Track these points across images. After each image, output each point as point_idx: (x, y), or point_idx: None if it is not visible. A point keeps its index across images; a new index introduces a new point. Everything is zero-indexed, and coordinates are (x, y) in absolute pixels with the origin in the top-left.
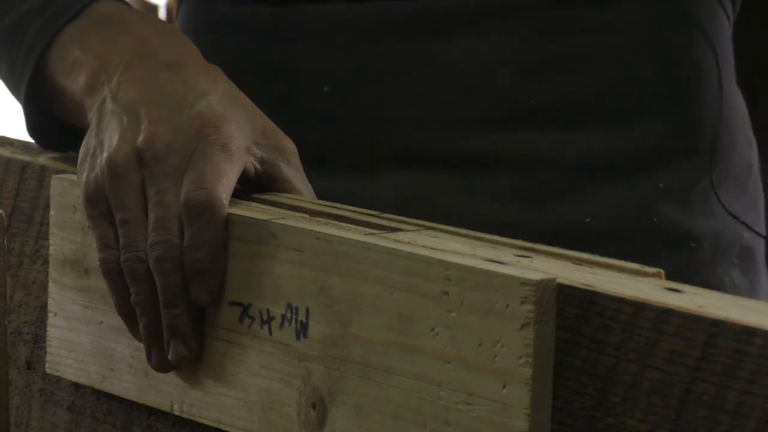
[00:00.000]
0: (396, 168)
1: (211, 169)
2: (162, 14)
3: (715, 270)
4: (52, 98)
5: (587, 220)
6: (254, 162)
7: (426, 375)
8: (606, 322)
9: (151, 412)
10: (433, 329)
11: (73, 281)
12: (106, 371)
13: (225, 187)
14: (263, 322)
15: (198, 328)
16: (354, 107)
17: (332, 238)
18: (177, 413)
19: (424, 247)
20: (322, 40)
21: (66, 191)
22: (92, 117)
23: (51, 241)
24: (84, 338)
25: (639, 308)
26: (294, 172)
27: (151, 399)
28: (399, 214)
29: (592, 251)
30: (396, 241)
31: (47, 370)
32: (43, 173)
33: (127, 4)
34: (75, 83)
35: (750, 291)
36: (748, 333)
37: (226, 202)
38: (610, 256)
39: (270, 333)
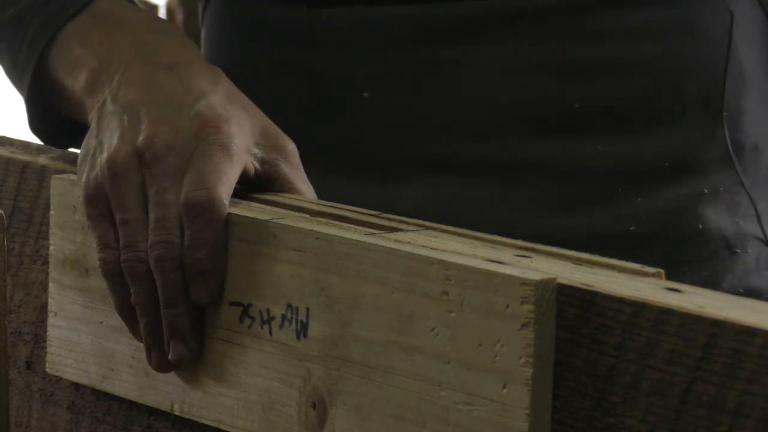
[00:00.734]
0: (426, 175)
1: (212, 169)
2: (162, 14)
3: (762, 275)
4: (54, 94)
5: (631, 228)
6: (254, 162)
7: (426, 375)
8: (606, 322)
9: (151, 412)
10: (433, 329)
11: (73, 281)
12: (106, 371)
13: (225, 187)
14: (263, 322)
15: (198, 328)
16: (384, 113)
17: (332, 238)
18: (177, 413)
19: (424, 247)
20: (354, 44)
21: (66, 191)
22: (93, 117)
23: (51, 241)
24: (84, 338)
25: (639, 308)
26: (294, 172)
27: (151, 399)
28: (433, 221)
29: (636, 259)
30: (396, 241)
31: (47, 370)
32: (43, 173)
33: (130, 1)
34: (76, 82)
35: None
36: (748, 333)
37: (226, 202)
38: (656, 263)
39: (270, 333)
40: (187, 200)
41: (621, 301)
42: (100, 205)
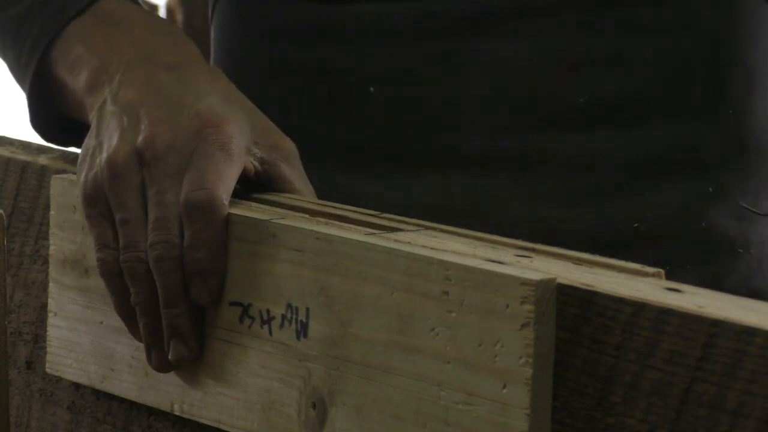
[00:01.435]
0: (441, 169)
1: (211, 169)
2: (162, 14)
3: (765, 276)
4: (55, 92)
5: (635, 224)
6: (254, 162)
7: (426, 375)
8: (606, 322)
9: (151, 412)
10: (433, 329)
11: (73, 281)
12: (106, 371)
13: (225, 187)
14: (263, 322)
15: (198, 328)
16: (398, 108)
17: (332, 238)
18: (177, 413)
19: (424, 247)
20: (366, 39)
21: (66, 191)
22: (93, 117)
23: (51, 241)
24: (84, 338)
25: (639, 308)
26: (294, 171)
27: (151, 399)
28: (444, 215)
29: (640, 255)
30: (396, 241)
31: (47, 370)
32: (43, 173)
33: (133, 1)
34: (77, 81)
35: None
36: (748, 333)
37: (226, 202)
38: (659, 260)
39: (270, 333)
40: (187, 200)
41: (621, 301)
42: (99, 204)
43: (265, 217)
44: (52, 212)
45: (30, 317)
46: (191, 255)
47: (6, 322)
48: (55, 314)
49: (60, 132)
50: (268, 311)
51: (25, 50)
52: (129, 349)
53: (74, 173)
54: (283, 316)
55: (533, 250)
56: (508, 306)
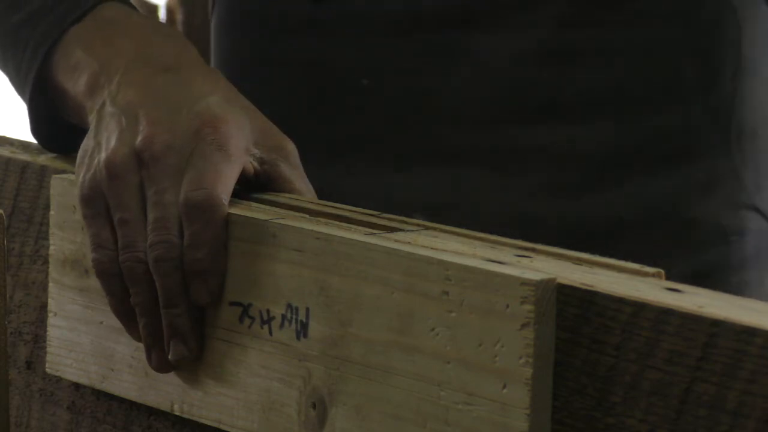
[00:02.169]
0: (429, 162)
1: (211, 169)
2: (162, 14)
3: (756, 269)
4: (55, 99)
5: (621, 214)
6: (254, 162)
7: (426, 375)
8: (606, 322)
9: (151, 412)
10: (433, 329)
11: (73, 281)
12: (106, 371)
13: (224, 186)
14: (263, 322)
15: (198, 328)
16: (386, 102)
17: (332, 238)
18: (177, 413)
19: (424, 247)
20: (354, 33)
21: (66, 191)
22: (92, 119)
23: (51, 241)
24: (84, 338)
25: (639, 308)
26: (294, 171)
27: (151, 399)
28: (432, 208)
29: (626, 245)
30: (396, 241)
31: (47, 370)
32: (43, 173)
33: (132, 6)
34: (77, 85)
35: None
36: (748, 333)
37: (225, 202)
38: (646, 250)
39: (270, 333)
40: (187, 200)
41: (621, 301)
42: (96, 205)
43: (265, 217)
44: (52, 212)
45: (30, 317)
46: (191, 255)
47: (6, 322)
48: (55, 314)
49: (61, 139)
50: (268, 311)
51: (25, 57)
52: (129, 349)
53: (74, 173)
54: (283, 316)
55: (533, 250)
56: (508, 306)
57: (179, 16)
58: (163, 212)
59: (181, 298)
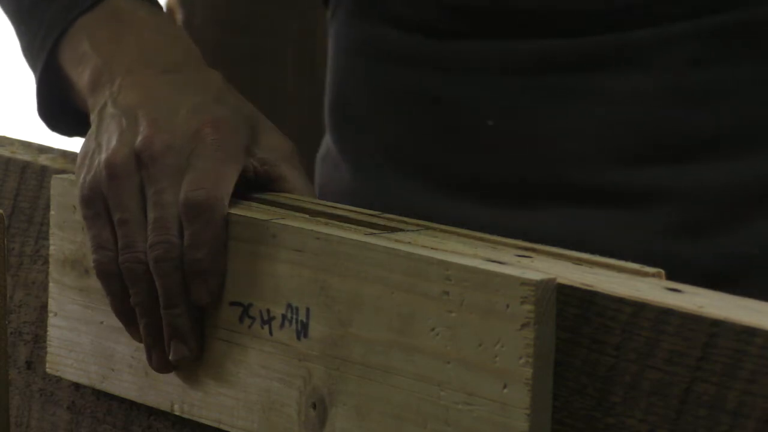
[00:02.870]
0: (553, 203)
1: (211, 170)
2: None
3: None
4: (63, 83)
5: (754, 251)
6: (254, 162)
7: (426, 375)
8: (606, 322)
9: (151, 412)
10: (433, 329)
11: (73, 281)
12: (106, 371)
13: (224, 186)
14: (263, 322)
15: (198, 328)
16: (512, 141)
17: (332, 238)
18: (177, 413)
19: (424, 247)
20: (479, 72)
21: (66, 191)
22: (93, 119)
23: (51, 241)
24: (84, 338)
25: (639, 308)
26: (294, 172)
27: (151, 399)
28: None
29: (760, 283)
30: (396, 241)
31: (47, 370)
32: (43, 173)
33: None
34: (81, 78)
35: None
36: (748, 333)
37: (225, 202)
38: None
39: (270, 333)
40: (187, 200)
41: (621, 301)
42: (97, 205)
43: (265, 217)
44: (52, 212)
45: (30, 317)
46: (191, 255)
47: (6, 322)
48: (55, 314)
49: (64, 122)
50: (268, 311)
51: (37, 38)
52: (129, 349)
53: (74, 173)
54: (284, 316)
55: (533, 250)
56: (508, 306)
57: (179, 16)
58: (163, 212)
59: (181, 298)
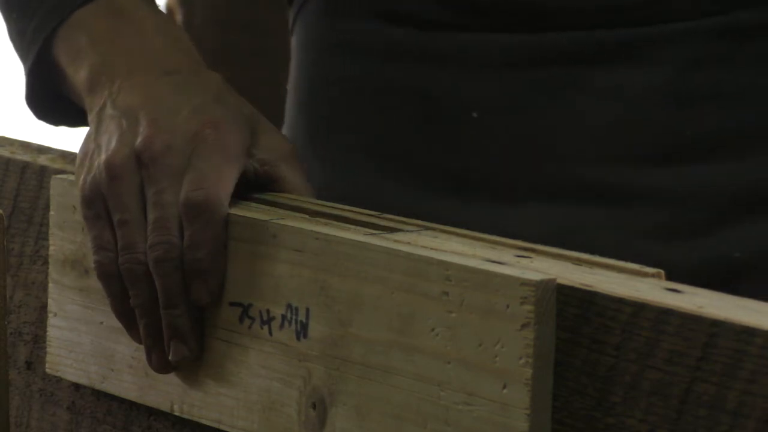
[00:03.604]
0: (542, 200)
1: (211, 170)
2: None
3: None
4: (57, 76)
5: (736, 254)
6: (254, 163)
7: (426, 375)
8: (606, 322)
9: (151, 412)
10: (433, 329)
11: (73, 281)
12: (106, 371)
13: (224, 187)
14: (263, 323)
15: (198, 329)
16: (501, 136)
17: (332, 238)
18: (177, 413)
19: (424, 247)
20: (473, 66)
21: (66, 191)
22: (92, 120)
23: (51, 241)
24: (84, 338)
25: (639, 308)
26: (294, 172)
27: (151, 399)
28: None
29: (745, 286)
30: (396, 241)
31: (47, 370)
32: (43, 173)
33: None
34: (77, 74)
35: None
36: (748, 333)
37: (225, 202)
38: (765, 292)
39: (270, 333)
40: (187, 200)
41: (621, 301)
42: (97, 206)
43: (265, 217)
44: (52, 212)
45: (30, 317)
46: (191, 255)
47: (6, 322)
48: (55, 314)
49: (54, 112)
50: (268, 311)
51: (30, 28)
52: (129, 350)
53: (74, 173)
54: (283, 317)
55: (533, 250)
56: (508, 306)
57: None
58: (163, 212)
59: (181, 298)
